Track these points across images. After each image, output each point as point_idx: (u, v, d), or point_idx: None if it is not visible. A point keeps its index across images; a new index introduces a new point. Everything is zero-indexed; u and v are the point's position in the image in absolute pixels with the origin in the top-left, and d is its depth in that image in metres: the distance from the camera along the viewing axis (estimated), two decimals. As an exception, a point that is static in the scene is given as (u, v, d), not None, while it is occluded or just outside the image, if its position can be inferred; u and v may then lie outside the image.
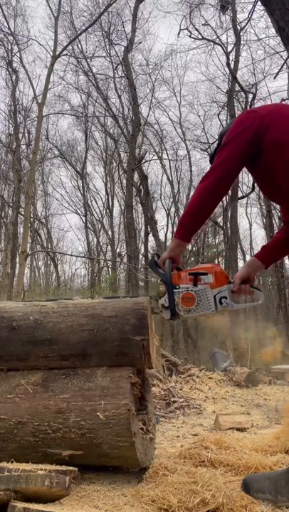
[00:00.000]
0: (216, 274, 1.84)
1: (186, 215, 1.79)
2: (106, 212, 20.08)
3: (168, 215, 19.12)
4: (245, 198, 16.26)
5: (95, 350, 1.84)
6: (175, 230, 1.93)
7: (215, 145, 1.95)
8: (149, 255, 17.58)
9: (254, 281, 1.94)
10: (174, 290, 1.81)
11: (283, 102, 12.09)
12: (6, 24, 13.07)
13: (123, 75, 15.20)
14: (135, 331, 1.82)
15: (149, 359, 1.85)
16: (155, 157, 17.55)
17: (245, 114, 1.81)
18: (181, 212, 18.30)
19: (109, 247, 19.71)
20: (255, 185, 2.21)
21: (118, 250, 19.06)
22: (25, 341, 1.88)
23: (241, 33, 12.94)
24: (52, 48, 11.23)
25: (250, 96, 13.41)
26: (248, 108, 13.30)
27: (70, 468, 1.60)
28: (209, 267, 1.88)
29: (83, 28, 13.28)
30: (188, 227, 1.81)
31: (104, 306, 1.91)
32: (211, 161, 1.92)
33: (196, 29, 12.86)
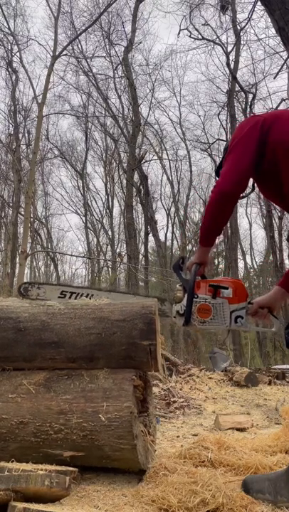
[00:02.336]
0: (236, 290, 1.81)
1: (205, 224, 1.81)
2: (106, 212, 20.10)
3: (168, 215, 19.15)
4: (245, 198, 16.27)
5: (102, 353, 1.83)
6: (198, 238, 1.94)
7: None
8: (149, 255, 17.61)
9: (275, 311, 1.90)
10: (193, 299, 1.78)
11: (283, 102, 12.10)
12: (6, 24, 13.09)
13: (123, 75, 15.22)
14: (143, 335, 1.81)
15: (156, 363, 1.84)
16: (155, 157, 17.59)
17: (248, 118, 1.85)
18: (181, 212, 18.32)
19: (109, 247, 19.72)
20: (255, 185, 2.21)
21: (118, 250, 19.08)
22: (32, 343, 1.87)
23: (241, 33, 12.97)
24: (52, 48, 11.27)
25: (250, 96, 13.42)
26: (248, 108, 13.32)
27: (70, 468, 1.60)
28: (231, 281, 1.85)
29: (83, 28, 13.31)
30: (209, 234, 1.82)
31: (112, 309, 1.89)
32: (216, 173, 1.92)
33: (196, 29, 12.88)
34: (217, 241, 1.97)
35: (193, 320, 1.79)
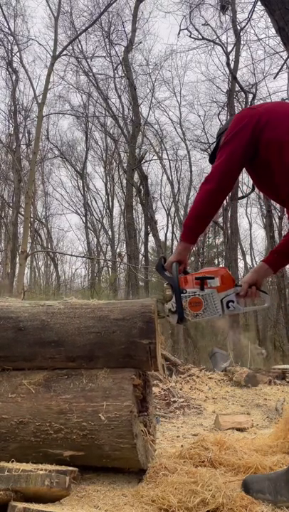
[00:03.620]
0: (222, 278, 1.83)
1: (190, 217, 1.79)
2: (106, 212, 20.08)
3: (168, 215, 19.13)
4: (245, 198, 16.27)
5: (102, 352, 1.84)
6: (180, 232, 1.94)
7: (217, 133, 1.95)
8: (149, 255, 17.59)
9: (261, 286, 1.93)
10: (181, 295, 1.80)
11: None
12: (6, 24, 13.08)
13: (123, 75, 15.21)
14: (142, 334, 1.82)
15: (156, 362, 1.85)
16: (155, 157, 17.55)
17: (244, 112, 1.82)
18: (181, 212, 18.31)
19: (109, 247, 19.71)
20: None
21: (118, 250, 19.07)
22: (32, 343, 1.87)
23: (241, 33, 12.95)
24: (52, 48, 11.24)
25: (250, 96, 13.42)
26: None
27: (70, 468, 1.60)
28: (215, 271, 1.87)
29: (83, 28, 13.29)
30: (193, 229, 1.81)
31: (111, 308, 1.90)
32: (210, 161, 1.91)
33: (196, 29, 12.87)
34: (198, 240, 1.97)
35: (186, 315, 1.80)
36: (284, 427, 2.29)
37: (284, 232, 15.62)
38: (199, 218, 1.78)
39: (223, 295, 1.82)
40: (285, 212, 2.03)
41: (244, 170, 1.83)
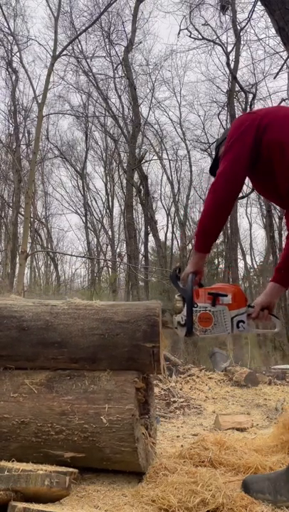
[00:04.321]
0: (235, 296, 1.81)
1: (201, 227, 1.78)
2: (106, 212, 20.08)
3: (168, 215, 19.14)
4: (245, 198, 16.27)
5: (105, 354, 1.83)
6: (193, 242, 1.94)
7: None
8: (149, 255, 17.60)
9: (274, 308, 1.91)
10: (192, 308, 1.78)
11: (283, 102, 12.09)
12: (6, 24, 13.07)
13: (123, 75, 15.21)
14: (146, 337, 1.81)
15: (159, 366, 1.84)
16: (155, 157, 17.56)
17: (243, 117, 1.81)
18: (181, 212, 18.31)
19: (109, 247, 19.70)
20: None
21: (118, 250, 19.07)
22: (35, 342, 1.86)
23: (241, 33, 12.95)
24: (52, 48, 11.24)
25: (250, 96, 13.42)
26: (248, 108, 13.31)
27: (71, 469, 1.60)
28: (229, 288, 1.85)
29: (83, 28, 13.29)
30: (206, 239, 1.80)
31: (116, 310, 1.88)
32: (211, 172, 1.91)
33: (196, 29, 12.86)
34: (193, 241, 1.96)
35: (195, 329, 1.78)
36: (282, 428, 2.29)
37: (284, 232, 15.62)
38: (210, 227, 1.77)
39: (234, 313, 1.80)
40: (284, 218, 2.02)
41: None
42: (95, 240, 19.98)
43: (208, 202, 1.74)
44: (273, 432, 2.39)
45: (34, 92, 12.54)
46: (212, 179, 1.82)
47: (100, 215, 20.40)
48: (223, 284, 1.91)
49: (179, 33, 12.29)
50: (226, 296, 1.80)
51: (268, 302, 1.88)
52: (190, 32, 12.62)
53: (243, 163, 1.70)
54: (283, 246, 2.01)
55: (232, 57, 13.57)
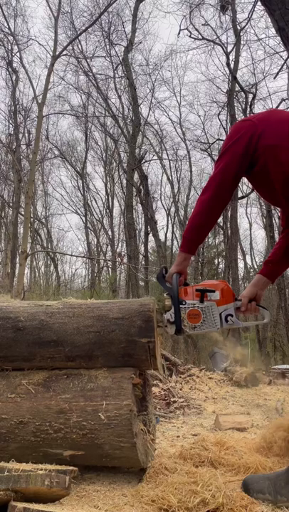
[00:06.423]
0: (222, 291, 1.84)
1: (189, 228, 1.81)
2: (106, 212, 20.08)
3: (168, 215, 19.13)
4: (245, 198, 16.27)
5: (101, 351, 1.84)
6: (180, 243, 1.94)
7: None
8: (149, 255, 17.60)
9: (261, 300, 1.93)
10: (181, 306, 1.81)
11: (283, 102, 12.11)
12: (6, 24, 13.06)
13: (123, 75, 15.21)
14: (141, 333, 1.82)
15: (155, 361, 1.85)
16: (155, 157, 17.55)
17: (239, 124, 1.86)
18: (181, 212, 18.31)
19: (109, 247, 19.71)
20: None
21: (118, 250, 19.07)
22: (31, 342, 1.87)
23: (241, 33, 12.94)
24: (52, 48, 11.22)
25: (250, 96, 13.42)
26: (248, 108, 13.31)
27: (70, 468, 1.60)
28: (216, 284, 1.87)
29: (83, 28, 13.27)
30: (192, 240, 1.83)
31: (110, 307, 1.90)
32: None
33: (196, 29, 12.85)
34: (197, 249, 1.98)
35: (184, 326, 1.81)
36: (273, 430, 2.28)
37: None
38: (198, 229, 1.80)
39: (223, 309, 1.83)
40: (280, 219, 2.04)
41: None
42: (95, 240, 19.99)
43: (197, 204, 1.79)
44: (263, 434, 2.38)
45: (34, 92, 12.51)
46: None
47: (100, 215, 20.41)
48: (210, 281, 1.93)
49: (178, 33, 12.35)
50: (214, 292, 1.83)
51: (254, 293, 1.91)
52: (190, 32, 12.62)
53: (233, 170, 1.74)
54: None
55: (232, 57, 13.57)
